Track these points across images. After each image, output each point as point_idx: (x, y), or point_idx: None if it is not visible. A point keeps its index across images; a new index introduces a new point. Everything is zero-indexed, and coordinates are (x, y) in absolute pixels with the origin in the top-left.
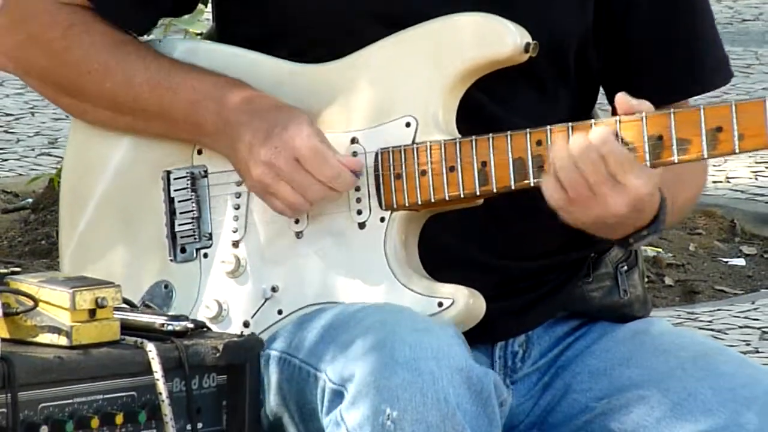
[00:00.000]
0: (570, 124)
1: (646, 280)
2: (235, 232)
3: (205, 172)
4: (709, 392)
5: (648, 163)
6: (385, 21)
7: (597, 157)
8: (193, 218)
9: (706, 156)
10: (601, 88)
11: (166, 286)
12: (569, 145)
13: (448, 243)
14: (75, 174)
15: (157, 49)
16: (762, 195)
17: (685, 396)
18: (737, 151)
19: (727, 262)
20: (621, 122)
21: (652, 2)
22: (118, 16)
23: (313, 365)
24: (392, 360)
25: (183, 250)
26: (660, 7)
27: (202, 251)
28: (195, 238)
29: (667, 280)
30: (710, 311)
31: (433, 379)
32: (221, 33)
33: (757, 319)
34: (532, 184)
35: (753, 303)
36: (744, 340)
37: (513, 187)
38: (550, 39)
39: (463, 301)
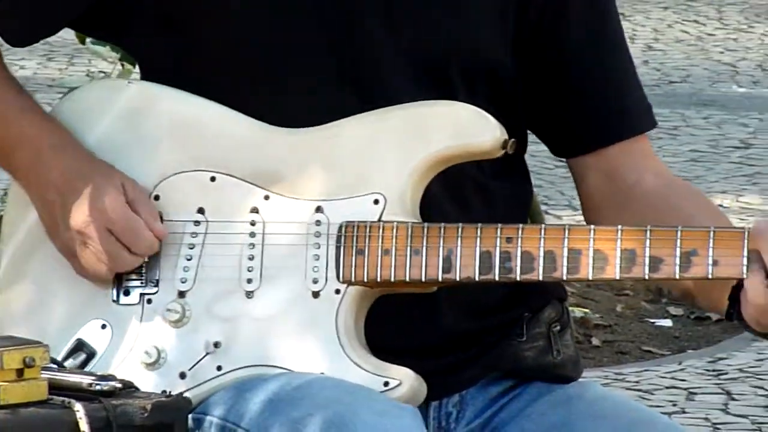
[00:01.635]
0: (543, 225)
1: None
2: (183, 282)
3: (160, 218)
4: None
5: None
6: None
7: None
8: (141, 263)
9: None
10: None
11: (103, 326)
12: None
13: (384, 301)
14: (14, 211)
15: (124, 91)
16: None
17: None
18: None
19: (654, 322)
20: None
21: (583, 45)
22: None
23: None
24: (354, 415)
25: (127, 293)
26: (590, 51)
27: (146, 297)
28: (141, 283)
29: (595, 341)
30: (637, 372)
31: None
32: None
33: (683, 380)
34: (496, 279)
35: (680, 364)
36: (671, 401)
37: (476, 280)
38: (466, 63)
39: (409, 384)
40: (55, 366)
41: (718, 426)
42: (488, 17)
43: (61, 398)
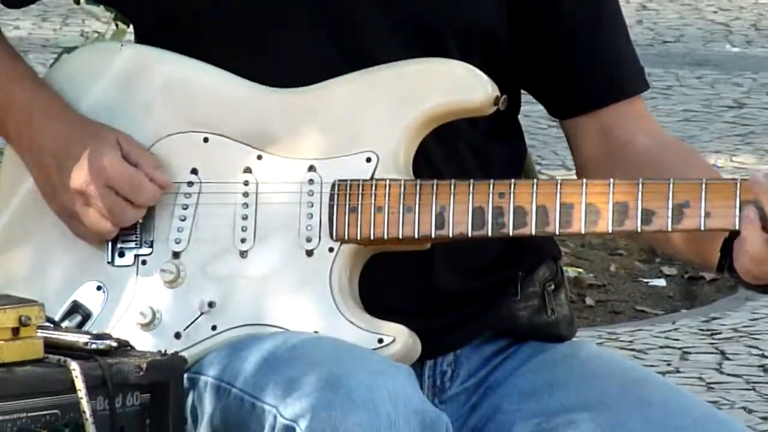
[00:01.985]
0: (535, 180)
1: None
2: (177, 243)
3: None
4: (639, 421)
5: None
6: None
7: None
8: (135, 225)
9: None
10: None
11: (99, 288)
12: None
13: (379, 261)
14: (8, 175)
15: (117, 54)
16: None
17: (614, 423)
18: None
19: (647, 282)
20: None
21: (578, 10)
22: None
23: (256, 396)
24: (350, 400)
25: (121, 255)
26: (584, 14)
27: (141, 258)
28: (136, 244)
29: (589, 301)
30: (631, 331)
31: (390, 421)
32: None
33: (677, 339)
34: (489, 235)
35: (673, 323)
36: (665, 360)
37: (469, 236)
38: (460, 28)
39: (403, 341)
40: (50, 325)
41: (712, 385)
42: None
43: (57, 357)
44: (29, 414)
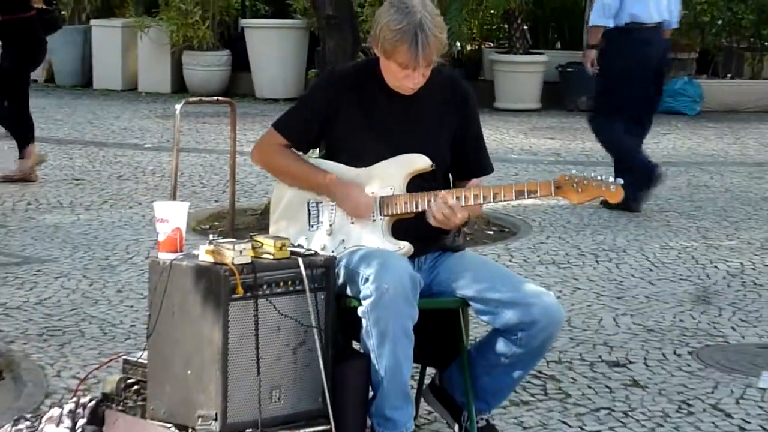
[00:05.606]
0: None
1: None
2: (330, 221)
3: (323, 201)
4: (485, 275)
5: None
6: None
7: (448, 206)
8: (317, 215)
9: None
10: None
11: (306, 239)
12: (441, 202)
13: (399, 227)
14: (275, 200)
15: (308, 160)
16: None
17: (475, 275)
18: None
19: (485, 231)
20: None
21: (472, 137)
22: (294, 144)
23: (357, 269)
24: (386, 259)
25: (311, 225)
26: (473, 139)
27: (318, 225)
28: (318, 221)
29: (468, 239)
30: (481, 250)
31: (400, 275)
32: (327, 154)
33: (494, 252)
34: (431, 207)
35: (497, 247)
36: (494, 258)
37: (425, 210)
38: (436, 162)
39: (408, 247)
40: (292, 246)
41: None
42: (445, 141)
43: (294, 256)
44: (283, 275)
